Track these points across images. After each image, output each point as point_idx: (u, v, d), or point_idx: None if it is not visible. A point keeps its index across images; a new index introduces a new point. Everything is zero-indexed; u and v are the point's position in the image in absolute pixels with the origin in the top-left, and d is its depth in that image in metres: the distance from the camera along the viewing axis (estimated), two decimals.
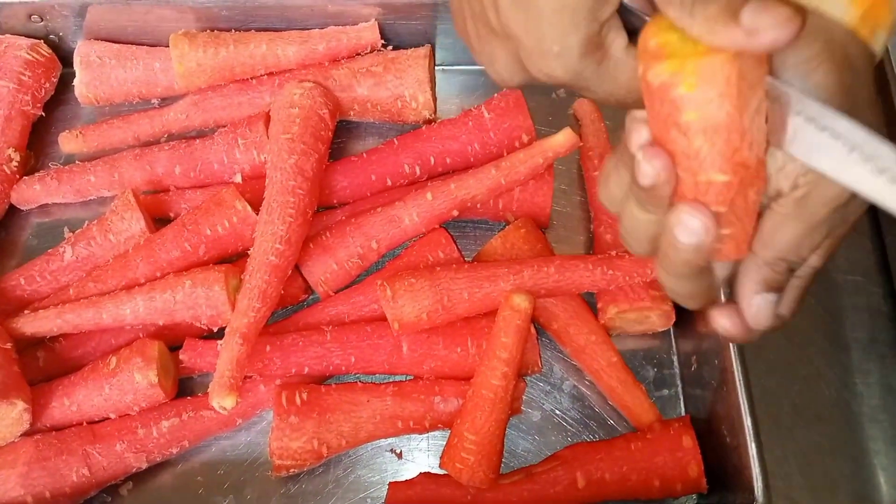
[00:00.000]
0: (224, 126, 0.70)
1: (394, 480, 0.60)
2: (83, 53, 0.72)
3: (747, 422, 0.55)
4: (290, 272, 0.61)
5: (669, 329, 0.67)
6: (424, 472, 0.60)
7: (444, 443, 0.61)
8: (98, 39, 0.74)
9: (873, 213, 0.72)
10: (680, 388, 0.65)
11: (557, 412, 0.64)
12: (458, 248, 0.66)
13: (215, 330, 0.62)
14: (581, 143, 0.65)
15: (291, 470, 0.58)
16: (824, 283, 0.70)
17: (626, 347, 0.66)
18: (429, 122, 0.72)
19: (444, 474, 0.59)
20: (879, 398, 0.66)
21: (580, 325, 0.63)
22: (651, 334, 0.67)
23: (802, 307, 0.39)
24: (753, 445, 0.54)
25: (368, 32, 0.71)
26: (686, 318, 0.64)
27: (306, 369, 0.60)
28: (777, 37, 0.31)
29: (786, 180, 0.35)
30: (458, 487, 0.58)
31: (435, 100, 0.73)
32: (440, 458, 0.59)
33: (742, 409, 0.55)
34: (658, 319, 0.64)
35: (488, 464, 0.57)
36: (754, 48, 0.31)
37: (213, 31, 0.71)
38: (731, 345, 0.57)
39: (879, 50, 0.37)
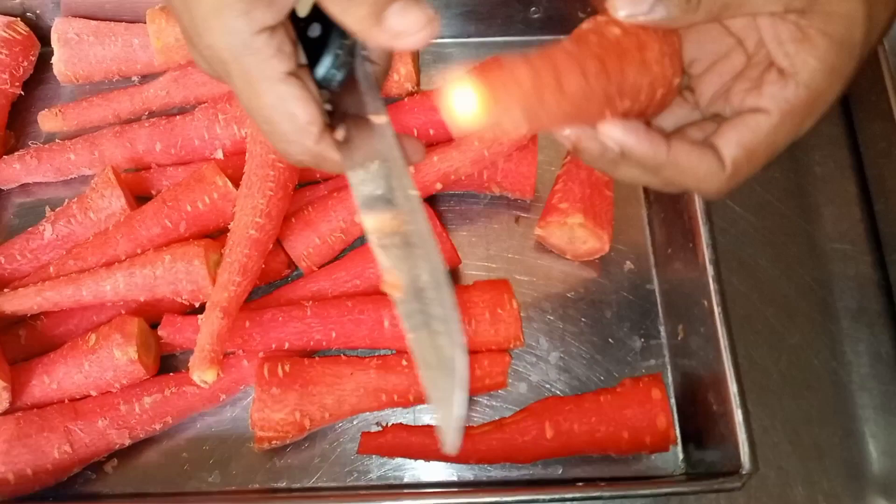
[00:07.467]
0: (204, 102, 0.70)
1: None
2: (61, 30, 0.71)
3: (733, 388, 0.54)
4: (270, 246, 0.61)
5: (656, 299, 0.66)
6: (397, 423, 0.60)
7: (429, 417, 0.61)
8: (76, 16, 0.73)
9: (862, 181, 0.71)
10: (667, 359, 0.65)
11: (545, 384, 0.64)
12: (441, 222, 0.66)
13: (197, 305, 0.62)
14: None
15: (274, 442, 0.58)
16: (813, 252, 0.70)
17: (613, 317, 0.66)
18: (411, 94, 0.71)
19: (417, 425, 0.59)
20: (869, 366, 0.66)
21: None
22: (639, 304, 0.66)
23: None
24: (739, 412, 0.54)
25: None
26: (675, 287, 0.64)
27: (287, 345, 0.60)
28: (417, 40, 0.33)
29: None
30: (428, 436, 0.58)
31: (418, 72, 0.72)
32: None
33: (728, 375, 0.55)
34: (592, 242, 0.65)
35: None
36: (402, 48, 0.33)
37: None
38: (716, 313, 0.57)
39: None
